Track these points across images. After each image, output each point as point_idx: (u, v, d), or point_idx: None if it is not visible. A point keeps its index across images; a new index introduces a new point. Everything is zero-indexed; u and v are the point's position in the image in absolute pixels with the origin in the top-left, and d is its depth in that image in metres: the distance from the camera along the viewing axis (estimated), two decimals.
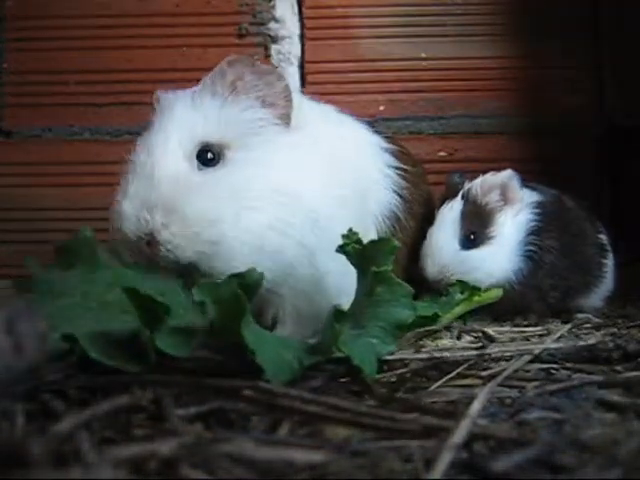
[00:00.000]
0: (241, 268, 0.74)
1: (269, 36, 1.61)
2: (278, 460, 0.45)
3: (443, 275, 1.12)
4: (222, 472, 0.43)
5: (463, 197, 1.17)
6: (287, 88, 0.96)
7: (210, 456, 0.45)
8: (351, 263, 0.79)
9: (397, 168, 1.13)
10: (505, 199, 1.15)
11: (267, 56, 1.59)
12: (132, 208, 0.87)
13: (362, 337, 0.69)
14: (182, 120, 0.93)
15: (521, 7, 1.62)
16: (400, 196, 1.11)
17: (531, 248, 1.13)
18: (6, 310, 0.50)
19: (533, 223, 1.15)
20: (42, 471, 0.39)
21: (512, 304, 1.11)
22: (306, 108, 1.00)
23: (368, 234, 0.98)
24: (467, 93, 1.61)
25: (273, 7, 1.61)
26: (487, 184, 1.16)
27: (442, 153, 1.61)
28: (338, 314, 0.66)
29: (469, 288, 1.06)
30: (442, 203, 1.19)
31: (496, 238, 1.13)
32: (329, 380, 0.67)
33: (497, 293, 1.08)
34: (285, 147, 0.95)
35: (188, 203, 0.86)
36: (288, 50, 1.61)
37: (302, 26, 1.61)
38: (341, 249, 0.78)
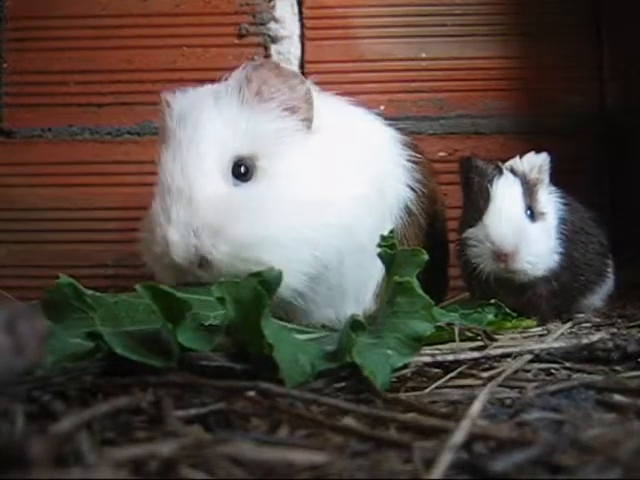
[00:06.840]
0: (285, 279, 0.74)
1: (269, 36, 1.61)
2: (278, 461, 0.45)
3: (516, 242, 1.06)
4: (222, 473, 0.43)
5: (513, 172, 1.13)
6: (309, 91, 0.96)
7: (210, 457, 0.45)
8: (384, 266, 0.79)
9: (410, 160, 1.12)
10: (541, 180, 1.15)
11: (267, 56, 1.59)
12: (178, 235, 0.87)
13: (378, 347, 0.69)
14: (213, 135, 0.91)
15: (521, 7, 1.62)
16: (413, 189, 1.11)
17: (561, 235, 1.12)
18: (6, 310, 0.50)
19: (561, 212, 1.15)
20: (42, 471, 0.39)
21: (548, 292, 1.10)
22: (322, 108, 1.00)
23: (385, 228, 0.99)
24: (467, 93, 1.61)
25: (273, 7, 1.61)
26: (532, 162, 1.14)
27: (442, 153, 1.61)
28: (355, 323, 0.66)
29: (503, 312, 1.06)
30: (468, 186, 1.16)
31: (546, 215, 1.12)
32: (331, 381, 0.67)
33: (530, 323, 1.08)
34: (311, 153, 0.95)
35: (233, 224, 0.87)
36: (288, 50, 1.61)
37: (302, 26, 1.61)
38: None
